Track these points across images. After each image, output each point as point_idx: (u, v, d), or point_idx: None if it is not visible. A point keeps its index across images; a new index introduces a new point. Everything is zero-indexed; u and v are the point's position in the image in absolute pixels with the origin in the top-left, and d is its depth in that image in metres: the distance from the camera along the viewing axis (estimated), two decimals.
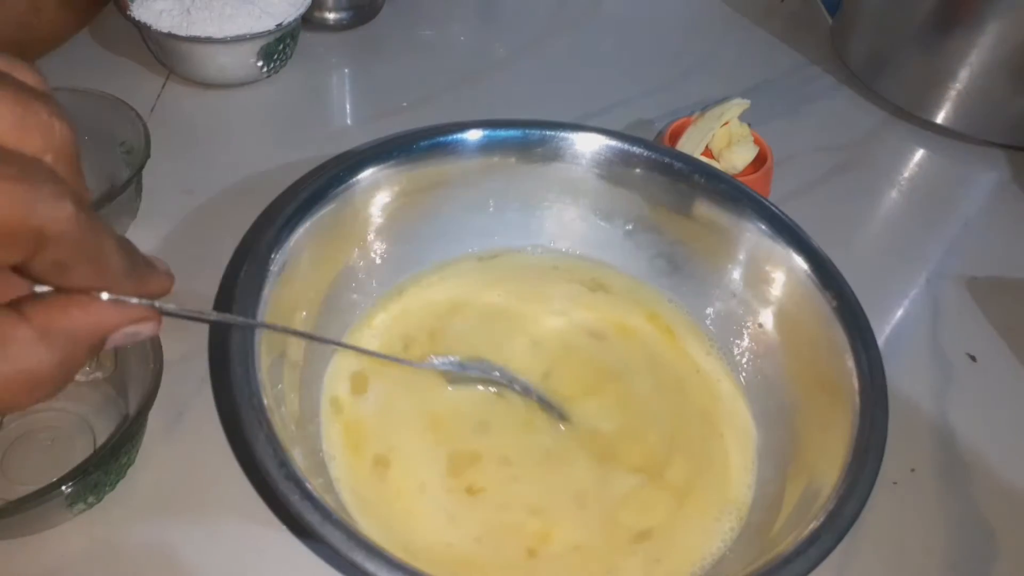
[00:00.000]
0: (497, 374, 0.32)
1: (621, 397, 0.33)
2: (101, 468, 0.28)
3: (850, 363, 0.29)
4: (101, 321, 0.16)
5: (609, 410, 0.33)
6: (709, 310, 0.36)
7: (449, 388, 0.32)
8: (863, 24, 0.53)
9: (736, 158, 0.40)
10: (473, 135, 0.35)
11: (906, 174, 0.48)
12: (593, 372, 0.34)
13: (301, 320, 0.31)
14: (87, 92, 0.38)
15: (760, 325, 0.34)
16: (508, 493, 0.30)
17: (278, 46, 0.46)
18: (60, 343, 0.15)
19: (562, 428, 0.32)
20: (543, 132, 0.35)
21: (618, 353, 0.35)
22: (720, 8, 0.60)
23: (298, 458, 0.26)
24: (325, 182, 0.32)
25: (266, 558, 0.29)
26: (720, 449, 0.32)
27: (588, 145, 0.35)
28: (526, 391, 0.32)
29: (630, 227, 0.37)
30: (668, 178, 0.35)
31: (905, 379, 0.37)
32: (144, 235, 0.39)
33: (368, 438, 0.31)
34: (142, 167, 0.37)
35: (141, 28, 0.44)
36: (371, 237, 0.35)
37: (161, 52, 0.47)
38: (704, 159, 0.38)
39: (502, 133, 0.35)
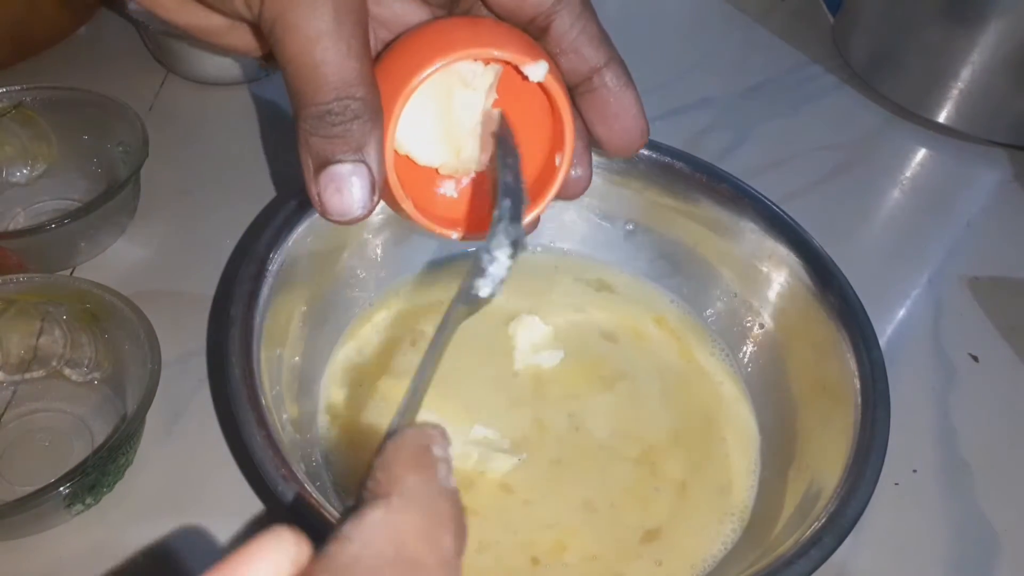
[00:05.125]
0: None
1: (626, 398, 0.33)
2: (99, 469, 0.28)
3: (852, 363, 0.29)
4: None
5: (613, 411, 0.32)
6: (711, 311, 0.36)
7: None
8: (865, 22, 0.53)
9: None
10: None
11: (908, 173, 0.48)
12: (599, 372, 0.34)
13: (301, 314, 0.31)
14: (85, 91, 0.38)
15: (762, 326, 0.34)
16: (515, 517, 0.29)
17: None
18: None
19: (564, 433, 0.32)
20: None
21: (623, 353, 0.34)
22: (720, 6, 0.59)
23: (296, 459, 0.25)
24: None
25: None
26: (722, 452, 0.32)
27: None
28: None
29: (631, 227, 0.37)
30: (669, 178, 0.35)
31: (907, 379, 0.37)
32: (142, 235, 0.39)
33: (366, 439, 0.31)
34: (140, 166, 0.37)
35: (139, 26, 0.44)
36: (370, 236, 0.34)
37: (159, 50, 0.46)
38: None
39: None
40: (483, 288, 0.19)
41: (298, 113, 0.20)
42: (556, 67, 0.22)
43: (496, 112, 0.23)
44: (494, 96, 0.23)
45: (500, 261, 0.19)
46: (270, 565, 0.12)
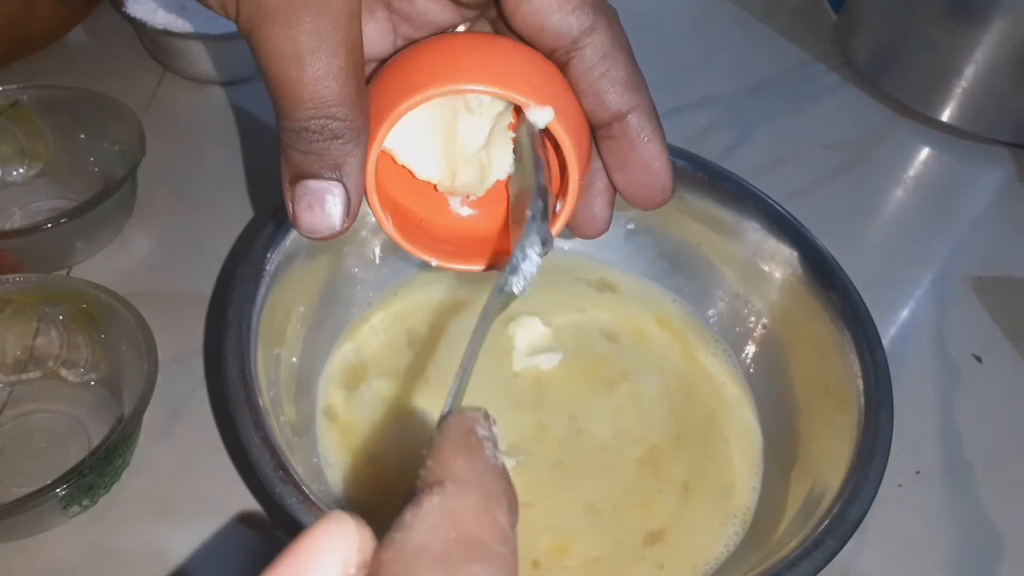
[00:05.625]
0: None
1: (627, 399, 0.33)
2: (95, 470, 0.28)
3: (855, 364, 0.29)
4: None
5: (615, 412, 0.32)
6: (713, 311, 0.35)
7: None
8: (867, 20, 0.53)
9: None
10: None
11: (911, 173, 0.48)
12: (600, 373, 0.34)
13: (299, 314, 0.31)
14: (81, 90, 0.38)
15: (764, 326, 0.34)
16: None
17: None
18: None
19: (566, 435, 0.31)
20: None
21: (624, 353, 0.34)
22: (722, 4, 0.59)
23: (294, 461, 0.25)
24: None
25: (262, 561, 0.29)
26: (724, 453, 0.31)
27: None
28: None
29: (632, 227, 0.36)
30: None
31: (910, 380, 0.36)
32: (139, 234, 0.39)
33: (364, 440, 0.31)
34: (137, 165, 0.36)
35: (136, 25, 0.44)
36: (369, 236, 0.34)
37: (156, 49, 0.46)
38: None
39: None
40: (516, 284, 0.19)
41: (278, 123, 0.20)
42: (576, 105, 0.21)
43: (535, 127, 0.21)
44: (509, 119, 0.22)
45: (532, 259, 0.19)
46: (337, 554, 0.12)
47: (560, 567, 0.28)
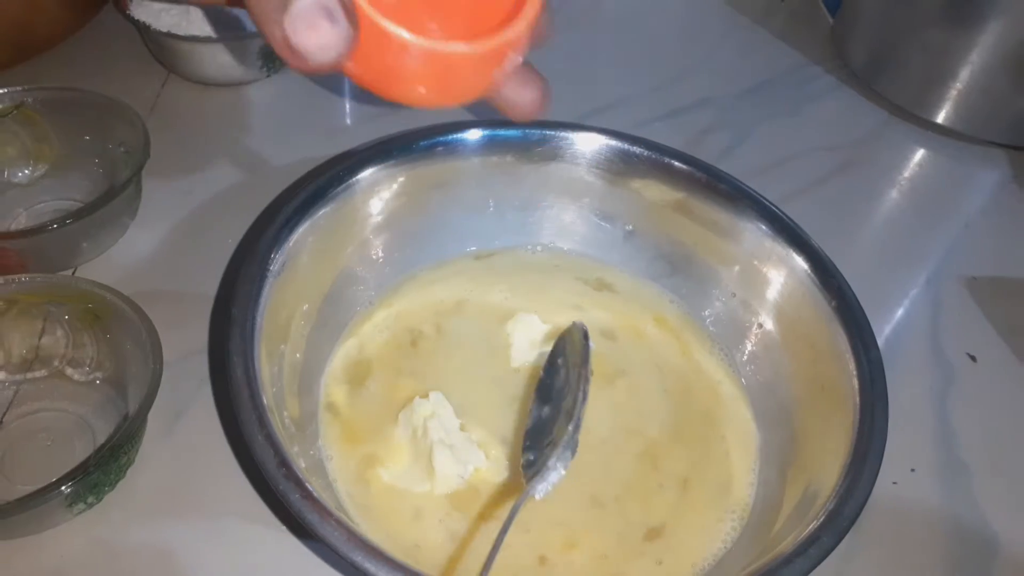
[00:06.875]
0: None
1: (626, 395, 0.33)
2: (101, 468, 0.28)
3: (850, 363, 0.29)
4: None
5: (613, 407, 0.33)
6: (710, 311, 0.36)
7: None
8: (864, 23, 0.53)
9: None
10: (473, 135, 0.35)
11: (907, 174, 0.48)
12: (599, 369, 0.34)
13: (303, 313, 0.31)
14: (86, 92, 0.38)
15: (761, 325, 0.34)
16: (527, 514, 0.29)
17: None
18: None
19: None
20: (543, 132, 0.35)
21: (623, 351, 0.35)
22: (720, 7, 0.60)
23: (297, 458, 0.25)
24: (325, 182, 0.32)
25: (265, 558, 0.29)
26: (721, 450, 0.32)
27: (588, 145, 0.35)
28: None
29: (630, 228, 0.37)
30: (668, 178, 0.35)
31: (905, 379, 0.37)
32: (144, 235, 0.39)
33: (365, 438, 0.31)
34: (142, 167, 0.37)
35: (140, 27, 0.44)
36: (371, 236, 0.35)
37: (160, 51, 0.46)
38: None
39: (502, 133, 0.35)
40: (540, 492, 0.24)
41: None
42: None
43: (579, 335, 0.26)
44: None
45: (559, 471, 0.24)
46: None
47: (565, 563, 0.28)
